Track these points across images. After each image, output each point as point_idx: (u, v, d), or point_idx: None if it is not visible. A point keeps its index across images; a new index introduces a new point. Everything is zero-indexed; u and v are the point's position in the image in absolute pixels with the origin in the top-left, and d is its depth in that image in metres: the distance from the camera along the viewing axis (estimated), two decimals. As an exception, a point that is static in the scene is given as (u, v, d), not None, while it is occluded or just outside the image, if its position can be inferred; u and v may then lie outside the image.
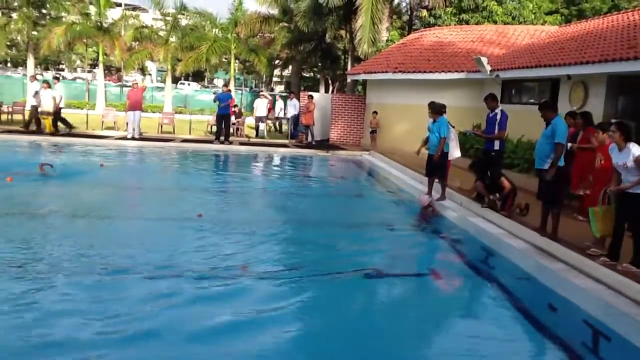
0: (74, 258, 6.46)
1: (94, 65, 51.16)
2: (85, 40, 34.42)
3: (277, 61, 38.19)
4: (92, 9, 32.36)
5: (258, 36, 36.00)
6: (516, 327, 5.51)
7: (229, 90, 21.17)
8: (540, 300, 6.23)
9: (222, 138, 19.13)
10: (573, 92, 12.76)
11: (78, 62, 59.34)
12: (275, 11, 31.85)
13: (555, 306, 6.03)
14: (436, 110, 10.36)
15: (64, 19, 32.27)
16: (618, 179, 6.47)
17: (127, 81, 43.43)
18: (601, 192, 6.76)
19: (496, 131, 9.72)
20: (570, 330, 5.46)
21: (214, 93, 21.92)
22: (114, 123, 22.26)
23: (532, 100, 15.39)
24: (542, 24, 26.74)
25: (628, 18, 14.14)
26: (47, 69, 60.93)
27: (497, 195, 9.38)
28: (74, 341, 4.45)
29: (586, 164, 8.36)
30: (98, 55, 35.18)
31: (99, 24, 31.38)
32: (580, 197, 8.62)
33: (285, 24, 30.88)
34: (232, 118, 20.86)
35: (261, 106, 23.43)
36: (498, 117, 9.71)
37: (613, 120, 7.91)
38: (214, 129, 22.25)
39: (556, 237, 7.43)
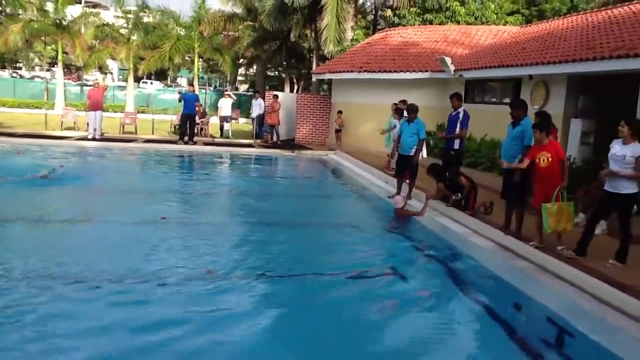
0: (28, 264, 6.24)
1: (52, 63, 49.87)
2: (43, 38, 33.54)
3: (241, 60, 37.90)
4: (50, 6, 31.48)
5: (222, 35, 35.63)
6: (481, 325, 5.54)
7: (194, 90, 20.87)
8: (505, 298, 6.28)
9: (186, 138, 18.86)
10: (535, 92, 12.97)
11: (36, 60, 57.75)
12: (239, 10, 31.56)
13: (520, 304, 6.08)
14: (414, 110, 10.44)
15: (20, 16, 31.34)
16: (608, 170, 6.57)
17: (87, 80, 42.51)
18: (555, 190, 6.88)
19: (458, 130, 9.82)
20: (535, 328, 5.51)
21: (178, 93, 21.66)
22: (74, 123, 21.73)
23: (494, 100, 15.62)
24: (504, 24, 27.20)
25: (587, 19, 14.47)
26: (3, 67, 59.18)
27: (459, 195, 9.45)
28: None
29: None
30: (57, 54, 34.32)
31: (57, 21, 30.61)
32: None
33: (250, 23, 30.64)
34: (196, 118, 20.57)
35: (226, 106, 23.17)
36: (460, 115, 9.82)
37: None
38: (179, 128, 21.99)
39: (520, 236, 7.51)
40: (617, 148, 6.51)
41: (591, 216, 6.71)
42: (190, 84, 22.68)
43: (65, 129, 21.24)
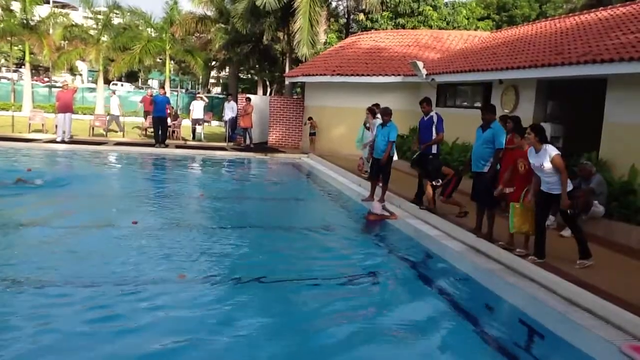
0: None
1: (20, 64, 48.84)
2: (10, 39, 32.79)
3: (214, 62, 37.65)
4: (17, 6, 30.79)
5: (194, 37, 35.34)
6: (454, 327, 5.57)
7: (164, 93, 20.70)
8: (477, 300, 6.34)
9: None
10: (505, 96, 13.16)
11: (2, 61, 56.53)
12: (211, 12, 31.35)
13: (491, 305, 6.15)
14: (388, 114, 10.49)
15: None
16: (538, 181, 6.73)
17: (56, 82, 41.72)
18: (522, 192, 7.00)
19: (434, 135, 9.82)
20: (506, 329, 5.57)
21: (150, 95, 21.55)
22: (42, 125, 21.32)
23: (465, 103, 15.80)
24: (475, 29, 27.59)
25: (555, 25, 14.74)
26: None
27: (439, 181, 9.49)
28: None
29: (511, 163, 8.57)
30: (24, 54, 33.61)
31: (24, 21, 29.98)
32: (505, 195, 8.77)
33: (222, 25, 30.47)
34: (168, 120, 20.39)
35: (198, 108, 23.04)
36: (435, 120, 9.81)
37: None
38: (149, 131, 21.87)
39: (491, 238, 7.60)
40: (533, 158, 6.66)
41: (537, 218, 6.81)
42: (162, 86, 22.51)
43: (33, 131, 20.81)
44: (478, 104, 14.46)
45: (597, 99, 10.42)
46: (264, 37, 26.42)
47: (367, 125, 13.38)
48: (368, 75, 18.32)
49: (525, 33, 15.61)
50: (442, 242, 7.99)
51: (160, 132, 18.93)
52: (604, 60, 9.67)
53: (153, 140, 19.27)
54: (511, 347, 5.11)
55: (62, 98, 18.54)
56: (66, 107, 18.39)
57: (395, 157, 11.37)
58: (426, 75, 16.40)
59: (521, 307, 5.81)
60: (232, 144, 21.14)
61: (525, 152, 7.13)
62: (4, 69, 60.30)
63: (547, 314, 5.46)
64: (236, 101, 22.38)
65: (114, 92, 25.96)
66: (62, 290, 5.65)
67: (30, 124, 21.41)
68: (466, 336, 5.36)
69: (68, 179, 12.23)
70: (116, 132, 22.46)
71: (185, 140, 21.83)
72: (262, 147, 20.85)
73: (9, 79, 41.17)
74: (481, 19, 32.39)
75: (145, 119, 22.91)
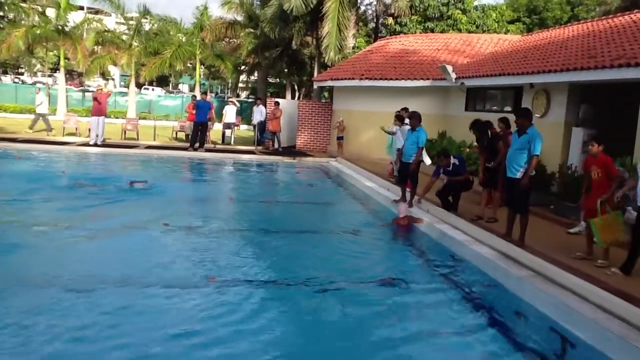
0: (32, 270, 6.25)
1: (54, 69, 50.02)
2: (45, 44, 33.62)
3: (243, 67, 38.00)
4: (52, 12, 31.57)
5: (224, 42, 35.75)
6: (483, 334, 5.52)
7: (205, 98, 20.97)
8: (507, 307, 6.26)
9: (196, 145, 19.02)
10: (536, 100, 13.00)
11: (38, 66, 57.93)
12: (240, 17, 31.68)
13: (521, 313, 6.07)
14: (417, 118, 10.45)
15: (23, 22, 31.40)
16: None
17: (89, 86, 42.59)
18: (597, 203, 6.79)
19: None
20: (537, 337, 5.50)
21: (193, 100, 21.64)
22: (76, 129, 21.78)
23: (495, 108, 15.64)
24: (505, 33, 27.30)
25: (588, 28, 14.51)
26: (5, 72, 59.36)
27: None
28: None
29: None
30: (59, 59, 34.42)
31: (59, 27, 30.70)
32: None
33: (251, 30, 30.76)
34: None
35: (230, 113, 23.32)
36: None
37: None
38: (179, 135, 22.16)
39: (523, 244, 7.51)
40: None
41: (635, 232, 6.36)
42: (205, 92, 22.80)
43: (66, 134, 21.28)
44: (508, 108, 14.31)
45: (631, 102, 10.22)
46: (293, 42, 26.55)
47: (394, 130, 13.31)
48: (396, 79, 18.28)
49: (556, 36, 15.40)
50: (471, 247, 7.91)
51: (198, 136, 19.19)
52: (638, 63, 9.49)
53: (180, 144, 19.47)
54: (543, 355, 5.05)
55: (99, 98, 18.86)
56: (99, 111, 18.78)
57: (428, 162, 11.27)
58: (455, 79, 16.30)
59: (553, 314, 5.73)
60: (260, 147, 21.29)
61: (599, 160, 6.97)
62: (39, 73, 61.80)
63: (579, 321, 5.37)
64: (265, 105, 22.54)
65: (39, 89, 25.31)
66: (89, 289, 5.79)
67: (64, 128, 21.90)
68: (496, 343, 5.32)
69: (100, 180, 12.56)
70: (49, 131, 21.53)
71: (215, 143, 22.07)
72: (291, 150, 20.94)
73: (44, 84, 42.20)
74: (511, 22, 32.04)
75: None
